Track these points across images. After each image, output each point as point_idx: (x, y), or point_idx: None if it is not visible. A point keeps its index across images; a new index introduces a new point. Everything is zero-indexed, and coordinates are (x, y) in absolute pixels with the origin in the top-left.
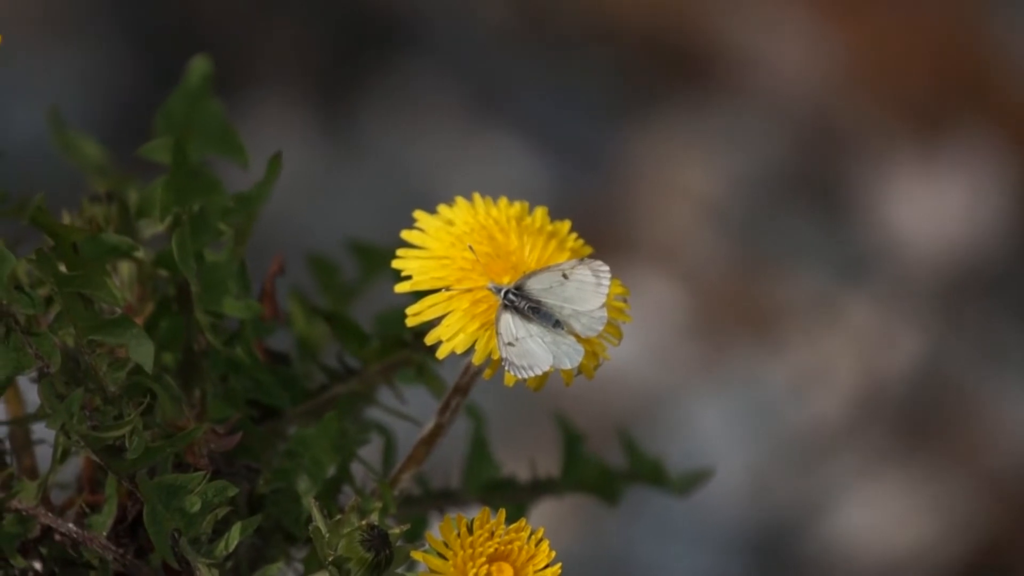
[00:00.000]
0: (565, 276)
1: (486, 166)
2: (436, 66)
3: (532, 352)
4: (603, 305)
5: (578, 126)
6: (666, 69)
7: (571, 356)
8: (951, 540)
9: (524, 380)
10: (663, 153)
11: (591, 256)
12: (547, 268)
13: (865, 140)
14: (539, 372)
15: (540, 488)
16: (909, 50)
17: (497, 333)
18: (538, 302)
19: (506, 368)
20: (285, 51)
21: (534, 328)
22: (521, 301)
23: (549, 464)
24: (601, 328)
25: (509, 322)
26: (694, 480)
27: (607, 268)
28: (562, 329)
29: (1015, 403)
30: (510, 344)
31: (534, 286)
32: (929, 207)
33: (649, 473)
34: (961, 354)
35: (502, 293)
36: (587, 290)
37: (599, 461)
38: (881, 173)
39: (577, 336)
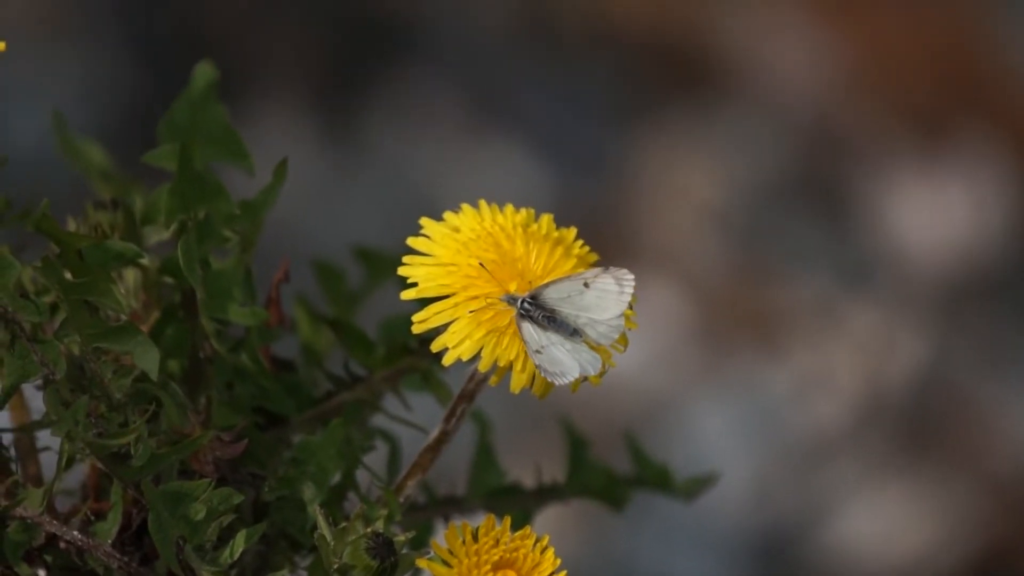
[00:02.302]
0: (587, 285)
1: (490, 171)
2: (440, 71)
3: (559, 359)
4: (621, 314)
5: (582, 131)
6: (669, 74)
7: (592, 363)
8: (955, 546)
9: (530, 387)
10: (666, 158)
11: (596, 263)
12: (568, 277)
13: (868, 145)
14: (570, 379)
15: (545, 494)
16: (912, 55)
17: (523, 341)
18: (552, 311)
19: (541, 374)
20: (289, 57)
21: (553, 336)
22: (536, 311)
23: (554, 470)
24: (616, 336)
25: (531, 330)
26: (699, 485)
27: (632, 277)
28: (579, 338)
29: (1019, 408)
30: (538, 352)
31: (551, 295)
32: (931, 212)
33: (655, 478)
34: (964, 360)
35: (518, 303)
36: (608, 299)
37: (604, 467)
38: (883, 178)
39: (590, 344)
